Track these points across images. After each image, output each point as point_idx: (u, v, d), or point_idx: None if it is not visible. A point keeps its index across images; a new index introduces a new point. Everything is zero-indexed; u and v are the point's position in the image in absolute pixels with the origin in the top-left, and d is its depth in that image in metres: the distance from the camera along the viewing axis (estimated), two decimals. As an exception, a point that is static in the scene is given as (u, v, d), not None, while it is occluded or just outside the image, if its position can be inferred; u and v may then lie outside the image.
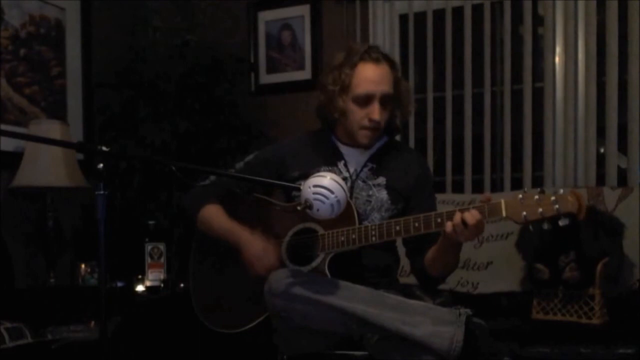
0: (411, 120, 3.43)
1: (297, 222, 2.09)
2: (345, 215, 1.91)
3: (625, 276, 2.56)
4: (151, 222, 3.31)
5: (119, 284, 3.15)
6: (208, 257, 2.28)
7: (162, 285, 3.18)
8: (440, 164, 3.38)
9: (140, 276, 3.21)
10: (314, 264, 2.03)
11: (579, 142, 3.10)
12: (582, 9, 3.08)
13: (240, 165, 2.27)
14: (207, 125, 3.37)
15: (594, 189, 2.83)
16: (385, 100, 2.11)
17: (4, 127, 3.01)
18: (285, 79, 3.72)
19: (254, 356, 2.20)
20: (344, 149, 2.22)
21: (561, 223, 1.75)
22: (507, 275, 2.76)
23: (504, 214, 1.80)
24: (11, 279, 2.93)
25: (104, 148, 1.67)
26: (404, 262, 2.30)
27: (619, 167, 3.06)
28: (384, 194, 2.15)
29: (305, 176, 1.90)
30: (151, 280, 3.20)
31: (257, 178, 2.11)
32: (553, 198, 1.74)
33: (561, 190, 1.76)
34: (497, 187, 3.26)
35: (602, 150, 3.10)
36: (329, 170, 2.12)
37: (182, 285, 3.16)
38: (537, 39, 3.24)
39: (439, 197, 2.92)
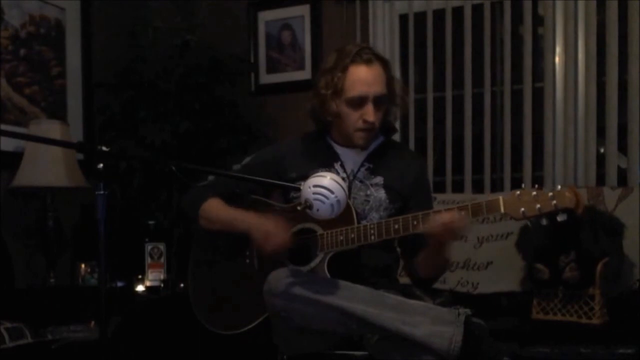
0: (411, 120, 3.44)
1: (296, 223, 2.09)
2: (344, 215, 1.91)
3: (625, 276, 2.56)
4: (151, 222, 3.32)
5: (119, 284, 3.15)
6: (207, 259, 2.28)
7: (162, 285, 3.19)
8: (440, 164, 3.38)
9: (140, 276, 3.21)
10: (313, 263, 2.03)
11: (579, 142, 3.10)
12: (582, 9, 3.08)
13: (237, 167, 2.27)
14: (207, 125, 3.37)
15: (594, 189, 2.83)
16: (379, 101, 2.10)
17: (4, 127, 3.01)
18: (285, 79, 3.72)
19: (254, 356, 2.20)
20: (339, 149, 2.21)
21: (559, 219, 1.76)
22: (507, 275, 2.76)
23: (502, 210, 1.81)
24: (11, 279, 2.93)
25: (104, 148, 1.67)
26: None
27: (619, 167, 3.06)
28: (382, 194, 2.15)
29: (303, 178, 1.90)
30: (151, 280, 3.21)
31: (258, 178, 2.11)
32: (551, 194, 1.75)
33: (559, 187, 1.77)
34: (497, 187, 3.26)
35: (602, 150, 3.10)
36: (326, 172, 2.12)
37: (182, 285, 3.16)
38: (537, 39, 3.24)
39: (439, 197, 2.93)
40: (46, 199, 3.09)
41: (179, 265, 3.24)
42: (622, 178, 3.05)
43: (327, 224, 1.99)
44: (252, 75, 3.78)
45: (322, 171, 2.08)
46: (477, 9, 3.30)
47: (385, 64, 2.14)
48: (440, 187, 3.33)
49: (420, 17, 3.43)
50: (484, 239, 2.88)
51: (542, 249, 2.56)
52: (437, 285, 2.53)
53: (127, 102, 3.37)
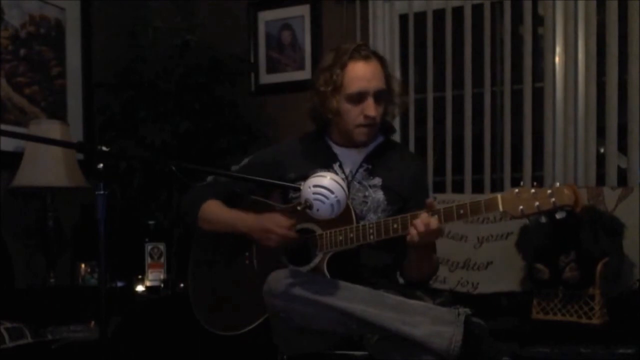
0: (411, 120, 3.44)
1: (295, 223, 2.09)
2: (343, 215, 1.91)
3: (625, 276, 2.56)
4: (151, 222, 3.31)
5: (119, 284, 3.15)
6: (207, 259, 2.28)
7: (162, 285, 3.18)
8: (440, 164, 3.38)
9: (140, 276, 3.21)
10: (313, 264, 2.03)
11: (579, 142, 3.10)
12: (582, 9, 3.08)
13: (236, 168, 2.28)
14: (207, 125, 3.37)
15: (594, 189, 2.83)
16: (379, 96, 2.11)
17: (4, 127, 3.01)
18: (285, 79, 3.72)
19: (254, 356, 2.20)
20: (338, 150, 2.21)
21: (558, 216, 1.76)
22: (507, 275, 2.76)
23: (500, 208, 1.81)
24: (11, 279, 2.93)
25: (104, 148, 1.67)
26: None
27: (619, 167, 3.06)
28: (380, 195, 2.15)
29: (302, 179, 1.90)
30: (151, 280, 3.20)
31: (258, 178, 2.11)
32: (549, 191, 1.75)
33: (557, 184, 1.77)
34: (497, 187, 3.26)
35: (602, 150, 3.10)
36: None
37: (182, 285, 3.16)
38: (537, 39, 3.24)
39: (439, 197, 2.93)
40: (46, 199, 3.09)
41: (179, 265, 3.24)
42: (622, 178, 3.05)
43: (326, 224, 1.99)
44: (252, 75, 3.78)
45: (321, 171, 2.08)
46: (477, 9, 3.30)
47: (382, 61, 2.16)
48: (440, 187, 3.33)
49: (420, 17, 3.43)
50: (484, 239, 2.88)
51: (542, 249, 2.56)
52: (437, 285, 2.54)
53: (127, 102, 3.37)
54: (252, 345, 2.14)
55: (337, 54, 2.13)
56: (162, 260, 3.24)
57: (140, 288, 3.18)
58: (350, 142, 2.19)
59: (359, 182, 2.17)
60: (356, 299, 1.87)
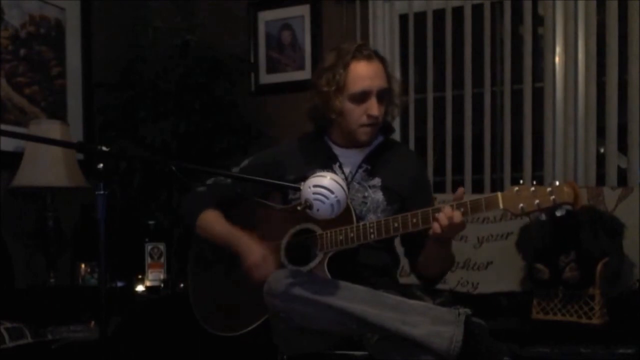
0: (411, 120, 3.44)
1: (295, 223, 2.09)
2: (343, 215, 1.91)
3: (625, 276, 2.57)
4: (151, 222, 3.31)
5: (119, 284, 3.15)
6: (206, 261, 2.28)
7: (162, 285, 3.18)
8: (440, 164, 3.38)
9: (140, 276, 3.21)
10: (313, 264, 2.03)
11: (579, 142, 3.10)
12: (582, 9, 3.08)
13: (235, 170, 2.27)
14: (207, 125, 3.37)
15: (594, 189, 2.83)
16: (382, 95, 2.12)
17: (4, 127, 3.01)
18: (285, 79, 3.73)
19: (254, 356, 2.20)
20: (338, 150, 2.21)
21: (558, 213, 1.77)
22: (507, 275, 2.76)
23: (500, 206, 1.81)
24: (11, 279, 2.93)
25: (104, 148, 1.67)
26: (404, 262, 2.30)
27: (619, 167, 3.06)
28: (379, 195, 2.15)
29: (301, 180, 1.90)
30: (151, 280, 3.20)
31: (258, 178, 2.11)
32: (549, 189, 1.75)
33: (557, 182, 1.77)
34: (497, 187, 3.26)
35: (602, 150, 3.10)
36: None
37: (182, 285, 3.16)
38: (537, 39, 3.24)
39: (439, 197, 2.93)
40: (46, 199, 3.09)
41: (179, 265, 3.24)
42: (622, 178, 3.05)
43: (327, 224, 1.99)
44: (252, 75, 3.78)
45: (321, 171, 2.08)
46: (477, 9, 3.30)
47: (383, 61, 2.16)
48: (440, 187, 3.33)
49: (420, 17, 3.44)
50: (484, 239, 2.89)
51: (542, 249, 2.56)
52: (437, 285, 2.53)
53: (127, 102, 3.37)
54: (252, 346, 2.14)
55: (339, 54, 2.13)
56: (162, 260, 3.24)
57: (140, 288, 3.18)
58: (351, 142, 2.19)
59: (359, 183, 2.16)
60: (356, 299, 1.87)
